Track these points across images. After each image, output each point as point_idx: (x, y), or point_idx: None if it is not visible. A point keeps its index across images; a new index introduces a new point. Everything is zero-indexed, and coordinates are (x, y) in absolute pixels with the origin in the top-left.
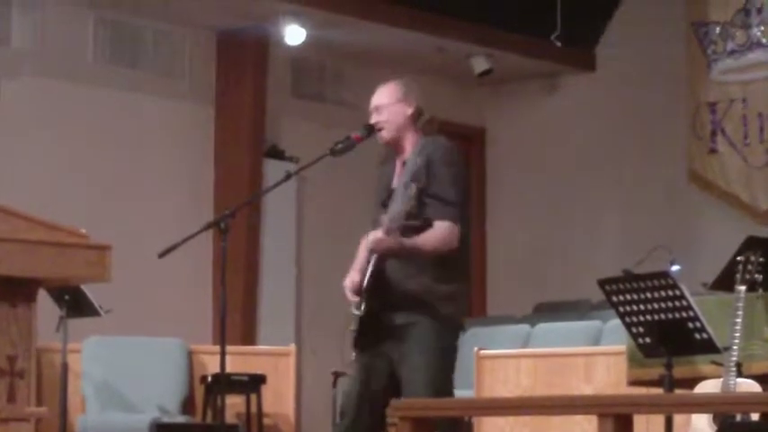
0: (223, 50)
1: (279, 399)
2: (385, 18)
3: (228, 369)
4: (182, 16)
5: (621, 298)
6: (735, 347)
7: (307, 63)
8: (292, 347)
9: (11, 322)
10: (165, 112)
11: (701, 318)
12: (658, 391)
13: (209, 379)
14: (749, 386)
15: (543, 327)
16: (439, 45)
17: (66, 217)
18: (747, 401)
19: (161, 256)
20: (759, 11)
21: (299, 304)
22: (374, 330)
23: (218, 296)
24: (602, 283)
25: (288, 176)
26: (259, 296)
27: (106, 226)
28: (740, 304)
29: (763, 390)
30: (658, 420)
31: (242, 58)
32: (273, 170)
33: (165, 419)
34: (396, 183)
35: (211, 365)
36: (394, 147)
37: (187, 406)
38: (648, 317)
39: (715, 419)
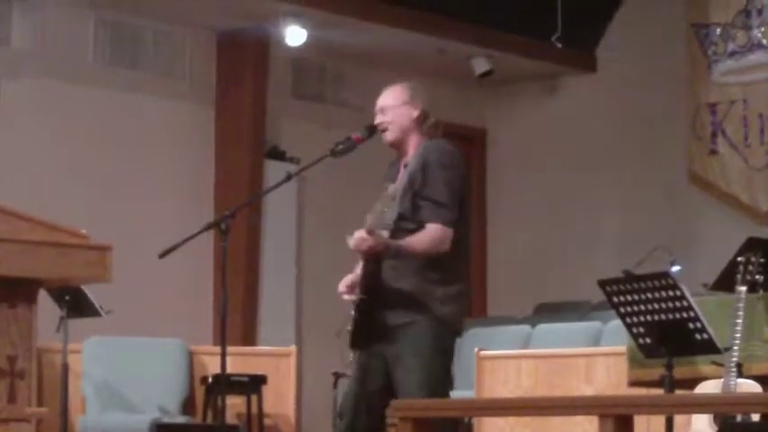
0: (223, 51)
1: (279, 399)
2: (385, 19)
3: (229, 369)
4: (182, 17)
5: (622, 298)
6: (735, 348)
7: (307, 64)
8: (293, 348)
9: (11, 323)
10: (166, 113)
11: (702, 318)
12: (659, 391)
13: (210, 379)
14: (750, 387)
15: (544, 327)
16: (439, 46)
17: (66, 217)
18: (748, 402)
19: (161, 256)
20: (760, 12)
21: (300, 305)
22: (369, 330)
23: (219, 297)
24: (603, 284)
25: (288, 177)
26: (259, 297)
27: (107, 226)
28: (741, 305)
29: (764, 390)
30: (659, 421)
31: (242, 58)
32: (274, 171)
33: (166, 420)
34: (397, 185)
35: (212, 366)
36: (397, 149)
37: (187, 406)
38: (649, 317)
39: (715, 420)
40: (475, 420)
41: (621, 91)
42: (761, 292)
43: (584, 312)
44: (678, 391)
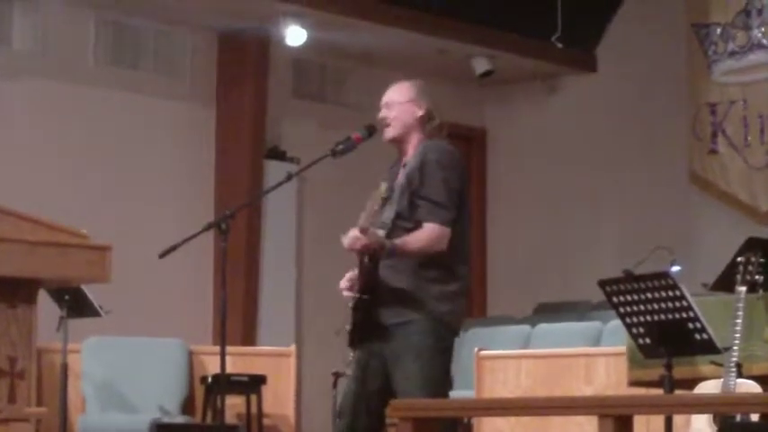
0: (224, 51)
1: (279, 399)
2: (386, 19)
3: (229, 369)
4: (183, 17)
5: (622, 299)
6: (735, 348)
7: (307, 64)
8: (292, 348)
9: (11, 323)
10: (166, 113)
11: (702, 318)
12: (658, 391)
13: (210, 379)
14: (749, 387)
15: (543, 327)
16: (440, 46)
17: (66, 217)
18: (747, 402)
19: (161, 256)
20: (760, 12)
21: (300, 305)
22: (367, 329)
23: (219, 296)
24: (603, 284)
25: (288, 177)
26: (259, 297)
27: (107, 226)
28: (740, 305)
29: (764, 390)
30: (658, 421)
31: (243, 58)
32: (274, 171)
33: (165, 420)
34: (396, 183)
35: (211, 366)
36: (397, 146)
37: (187, 406)
38: (649, 317)
39: (715, 420)
40: (474, 420)
41: (621, 91)
42: (761, 292)
43: (583, 312)
44: (678, 392)
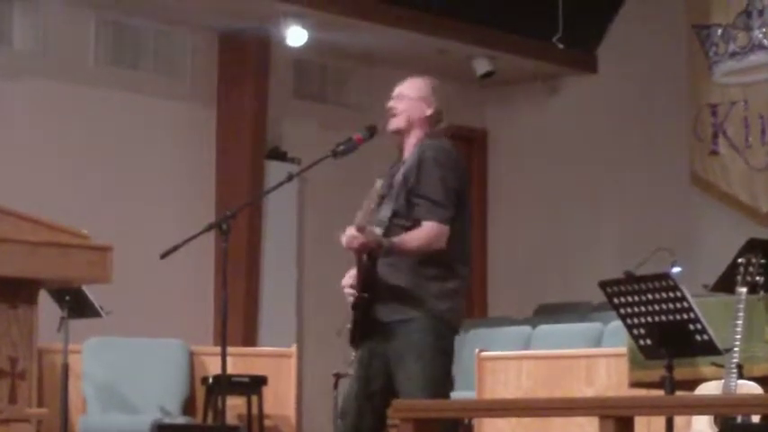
0: (225, 51)
1: (280, 400)
2: (387, 20)
3: (229, 370)
4: (183, 17)
5: (623, 300)
6: (736, 349)
7: (308, 64)
8: (293, 349)
9: (12, 323)
10: (167, 113)
11: (702, 319)
12: (659, 392)
13: (210, 380)
14: (750, 388)
15: (544, 328)
16: (440, 47)
17: (67, 218)
18: (748, 403)
19: (163, 257)
20: (761, 13)
21: (300, 305)
22: (368, 327)
23: (219, 297)
24: (604, 285)
25: (289, 178)
26: (260, 297)
27: (107, 227)
28: (741, 306)
29: (765, 392)
30: (659, 422)
31: (243, 59)
32: (275, 171)
33: (166, 420)
34: (394, 181)
35: (212, 366)
36: (398, 139)
37: (188, 407)
38: (650, 318)
39: (716, 421)
40: (475, 421)
41: (622, 92)
42: (761, 293)
43: (584, 313)
44: (679, 393)
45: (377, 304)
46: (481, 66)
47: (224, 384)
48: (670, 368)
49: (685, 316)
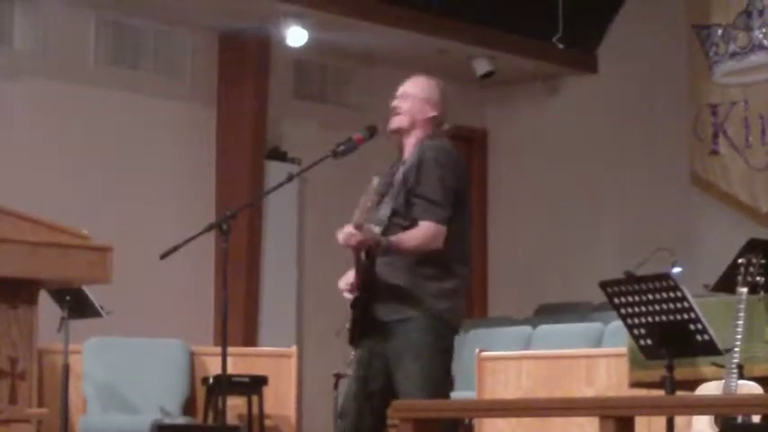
0: (225, 51)
1: (280, 400)
2: (387, 20)
3: (230, 370)
4: (183, 17)
5: (623, 300)
6: (736, 349)
7: (308, 64)
8: (293, 349)
9: (12, 323)
10: (167, 113)
11: (703, 319)
12: (660, 392)
13: (211, 380)
14: (750, 388)
15: (544, 328)
16: (440, 47)
17: (67, 218)
18: (749, 403)
19: (163, 257)
20: (761, 13)
21: (300, 305)
22: (367, 327)
23: (220, 297)
24: (604, 285)
25: (289, 178)
26: (260, 297)
27: (107, 227)
28: (742, 306)
29: (765, 392)
30: (660, 422)
31: (244, 59)
32: (275, 171)
33: (167, 421)
34: (394, 181)
35: (213, 367)
36: (399, 138)
37: (188, 407)
38: (650, 318)
39: (716, 421)
40: (475, 421)
41: (622, 92)
42: (762, 293)
43: (584, 313)
44: (679, 393)
45: (376, 303)
46: (481, 66)
47: (224, 384)
48: (670, 368)
49: (686, 316)
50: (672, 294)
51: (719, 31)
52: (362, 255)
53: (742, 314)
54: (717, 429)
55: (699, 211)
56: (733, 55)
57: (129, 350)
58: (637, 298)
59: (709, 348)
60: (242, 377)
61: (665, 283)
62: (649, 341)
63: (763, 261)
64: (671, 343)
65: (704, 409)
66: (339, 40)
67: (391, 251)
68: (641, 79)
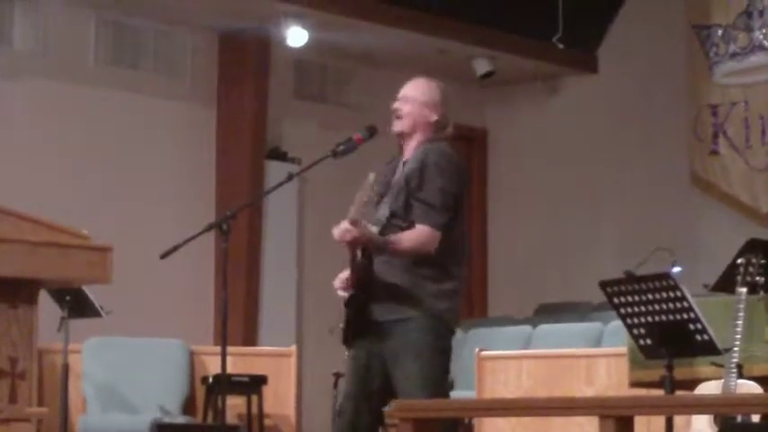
0: (225, 51)
1: (280, 400)
2: (387, 20)
3: (229, 370)
4: (183, 17)
5: (623, 299)
6: (736, 349)
7: (308, 64)
8: (293, 348)
9: (12, 323)
10: (167, 113)
11: (702, 319)
12: (659, 392)
13: (210, 380)
14: (750, 388)
15: (544, 328)
16: (441, 47)
17: (67, 218)
18: (748, 403)
19: (163, 257)
20: (761, 13)
21: (300, 305)
22: (362, 327)
23: (219, 297)
24: (604, 285)
25: (289, 178)
26: (260, 297)
27: (107, 227)
28: (741, 306)
29: (764, 391)
30: (659, 422)
31: (244, 59)
32: (275, 171)
33: (166, 420)
34: (393, 181)
35: (212, 366)
36: (401, 141)
37: (188, 407)
38: (650, 318)
39: (716, 421)
40: (475, 421)
41: (622, 92)
42: (761, 293)
43: (584, 313)
44: (678, 392)
45: (372, 303)
46: (481, 66)
47: (224, 384)
48: (670, 368)
49: (685, 316)
50: (671, 294)
51: (720, 32)
52: (358, 253)
53: (741, 314)
54: (716, 429)
55: (699, 212)
56: (733, 55)
57: (128, 350)
58: (636, 298)
59: (709, 348)
60: (242, 377)
61: (664, 283)
62: (649, 341)
63: (762, 261)
64: (670, 343)
65: (703, 408)
66: (339, 40)
67: (385, 250)
68: (641, 79)
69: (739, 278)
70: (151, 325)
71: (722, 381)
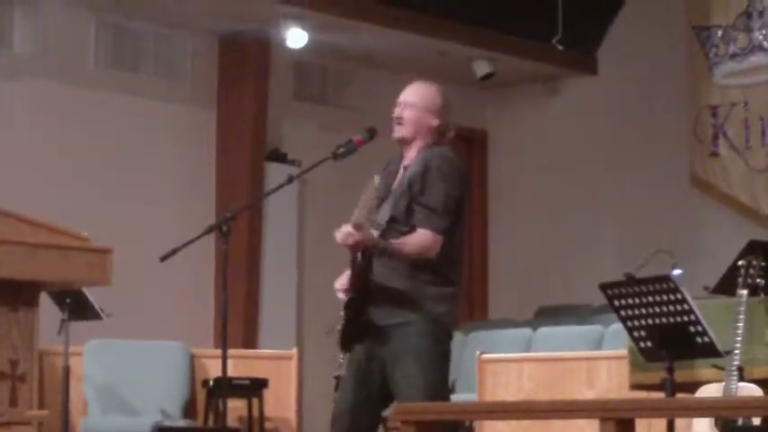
0: (225, 54)
1: (280, 402)
2: (387, 21)
3: (230, 373)
4: (183, 19)
5: (623, 302)
6: (736, 352)
7: (308, 66)
8: (294, 351)
9: (12, 326)
10: (167, 115)
11: (703, 322)
12: (660, 395)
13: (211, 382)
14: (751, 390)
15: (545, 331)
16: (441, 48)
17: (67, 220)
18: (749, 406)
19: (163, 259)
20: (761, 14)
21: (301, 307)
22: (361, 330)
23: (220, 299)
24: (604, 288)
25: (289, 179)
26: (260, 299)
27: (107, 229)
28: (742, 308)
29: (765, 394)
30: (660, 424)
31: (244, 61)
32: (275, 173)
33: (167, 423)
34: (395, 185)
35: (213, 369)
36: (402, 146)
37: (189, 409)
38: (650, 321)
39: (716, 424)
40: (476, 424)
41: (622, 93)
42: (762, 295)
43: (585, 316)
44: (679, 395)
45: (371, 307)
46: (481, 67)
47: (224, 387)
48: (671, 370)
49: (686, 318)
50: (672, 296)
51: (719, 33)
52: (359, 255)
53: (742, 316)
54: None
55: (699, 213)
56: (733, 56)
57: (129, 352)
58: (637, 300)
59: (710, 350)
60: (242, 379)
61: (665, 285)
62: (649, 343)
63: (763, 263)
64: (671, 345)
65: (704, 411)
66: (339, 41)
67: (387, 254)
68: (641, 81)
69: (740, 280)
70: (151, 327)
71: (723, 383)
